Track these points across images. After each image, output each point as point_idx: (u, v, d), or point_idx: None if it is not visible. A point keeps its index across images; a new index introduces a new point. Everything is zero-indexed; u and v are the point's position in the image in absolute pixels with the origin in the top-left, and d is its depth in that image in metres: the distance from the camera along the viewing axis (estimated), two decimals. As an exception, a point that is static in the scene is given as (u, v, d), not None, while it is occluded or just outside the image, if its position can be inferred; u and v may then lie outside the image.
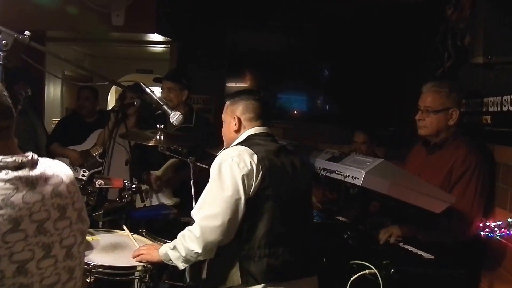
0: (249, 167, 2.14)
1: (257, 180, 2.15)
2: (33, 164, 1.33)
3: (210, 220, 2.11)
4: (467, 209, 2.72)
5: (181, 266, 2.24)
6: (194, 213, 2.19)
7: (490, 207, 2.89)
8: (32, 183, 1.29)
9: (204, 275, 2.38)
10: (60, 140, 4.62)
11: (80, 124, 4.69)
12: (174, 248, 2.23)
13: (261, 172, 2.16)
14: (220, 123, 2.56)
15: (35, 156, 1.36)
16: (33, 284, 1.27)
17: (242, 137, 2.36)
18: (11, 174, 1.26)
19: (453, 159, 2.82)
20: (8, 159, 1.27)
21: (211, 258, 2.22)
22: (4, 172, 1.25)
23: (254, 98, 2.40)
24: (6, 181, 1.24)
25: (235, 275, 2.18)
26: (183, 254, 2.19)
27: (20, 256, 1.23)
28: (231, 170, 2.13)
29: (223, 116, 2.49)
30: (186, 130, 3.64)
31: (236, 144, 2.31)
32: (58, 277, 1.35)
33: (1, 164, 1.25)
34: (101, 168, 4.40)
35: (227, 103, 2.46)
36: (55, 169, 1.40)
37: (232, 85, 5.38)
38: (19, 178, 1.27)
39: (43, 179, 1.33)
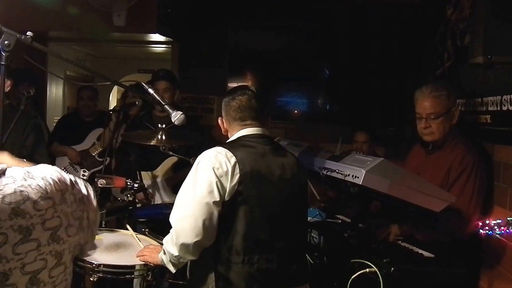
0: (224, 169, 2.07)
1: (233, 183, 2.08)
2: None
3: (182, 221, 2.07)
4: (465, 208, 2.74)
5: (172, 269, 2.22)
6: (171, 214, 2.16)
7: (489, 205, 2.90)
8: None
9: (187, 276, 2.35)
10: (59, 139, 4.62)
11: (79, 124, 4.69)
12: (164, 252, 2.22)
13: (238, 175, 2.08)
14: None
15: (3, 169, 1.24)
16: None
17: (233, 137, 2.31)
18: None
19: (451, 159, 2.83)
20: None
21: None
22: None
23: (230, 99, 2.32)
24: None
25: (210, 278, 2.13)
26: (169, 258, 2.18)
27: None
28: (206, 171, 2.08)
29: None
30: (180, 129, 3.64)
31: (224, 144, 2.25)
32: None
33: None
34: (101, 167, 4.41)
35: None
36: (22, 183, 1.24)
37: (233, 84, 5.39)
38: None
39: (0, 198, 1.19)
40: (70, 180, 1.40)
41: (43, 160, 3.32)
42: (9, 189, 1.21)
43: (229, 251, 2.10)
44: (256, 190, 2.12)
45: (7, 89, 3.03)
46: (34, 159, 3.12)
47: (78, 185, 1.43)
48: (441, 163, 2.89)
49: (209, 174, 2.07)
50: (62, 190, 1.32)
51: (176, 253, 2.12)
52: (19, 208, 1.19)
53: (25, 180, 1.25)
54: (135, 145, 3.59)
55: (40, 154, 3.37)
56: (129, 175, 3.47)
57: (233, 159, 2.10)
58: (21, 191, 1.22)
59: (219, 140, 2.51)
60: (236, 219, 2.10)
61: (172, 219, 2.13)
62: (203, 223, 2.04)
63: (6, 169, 1.25)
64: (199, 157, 2.16)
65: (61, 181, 1.33)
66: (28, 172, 1.29)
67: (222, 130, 2.40)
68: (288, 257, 2.21)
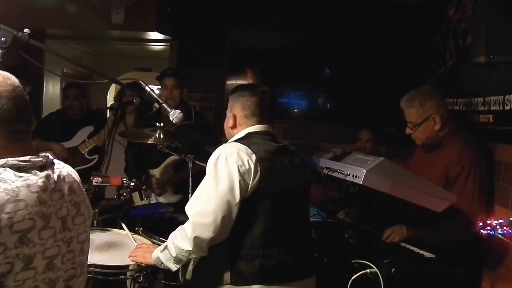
0: (247, 167, 2.07)
1: (255, 180, 2.09)
2: (51, 164, 1.40)
3: (202, 216, 2.05)
4: (467, 207, 2.73)
5: (173, 267, 2.18)
6: (187, 208, 2.14)
7: (490, 205, 2.89)
8: (55, 182, 1.37)
9: (190, 274, 2.31)
10: (44, 136, 4.44)
11: (67, 121, 4.56)
12: (165, 249, 2.18)
13: (259, 172, 2.09)
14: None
15: (52, 157, 1.42)
16: (58, 279, 1.34)
17: (241, 133, 2.29)
18: (40, 173, 1.33)
19: (448, 158, 2.84)
20: (35, 159, 1.34)
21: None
22: (33, 171, 1.32)
23: (250, 94, 2.29)
24: (37, 179, 1.31)
25: (226, 274, 2.13)
26: (174, 254, 2.14)
27: (50, 252, 1.30)
28: (228, 167, 2.07)
29: (227, 110, 2.40)
30: (187, 127, 3.63)
31: (235, 141, 2.24)
32: (75, 271, 1.42)
33: (30, 164, 1.31)
34: (88, 165, 4.36)
35: (230, 97, 2.38)
36: (68, 169, 1.48)
37: (232, 83, 5.37)
38: (47, 177, 1.34)
39: (62, 177, 1.41)
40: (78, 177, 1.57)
41: None
42: (64, 172, 1.43)
43: (247, 246, 2.11)
44: (274, 187, 2.14)
45: None
46: None
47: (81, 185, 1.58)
48: (438, 162, 2.89)
49: (232, 171, 2.06)
50: (70, 182, 1.46)
51: (189, 248, 2.08)
52: (41, 197, 1.30)
53: (68, 167, 1.49)
54: (134, 143, 3.58)
55: None
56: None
57: (254, 157, 2.11)
58: (70, 174, 1.47)
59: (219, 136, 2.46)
60: (256, 215, 2.12)
61: (192, 212, 2.10)
62: (222, 220, 2.04)
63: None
64: (216, 154, 2.13)
65: (70, 176, 1.49)
66: (63, 163, 1.51)
67: (230, 124, 2.34)
68: (300, 250, 2.25)
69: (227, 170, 2.07)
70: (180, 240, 2.11)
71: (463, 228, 2.75)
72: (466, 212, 2.72)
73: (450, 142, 2.89)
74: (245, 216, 2.10)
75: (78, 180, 1.50)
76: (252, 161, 2.09)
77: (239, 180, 2.05)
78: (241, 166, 2.06)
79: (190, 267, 2.31)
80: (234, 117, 2.32)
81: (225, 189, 2.05)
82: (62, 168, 1.44)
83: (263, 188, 2.11)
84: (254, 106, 2.27)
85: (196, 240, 2.06)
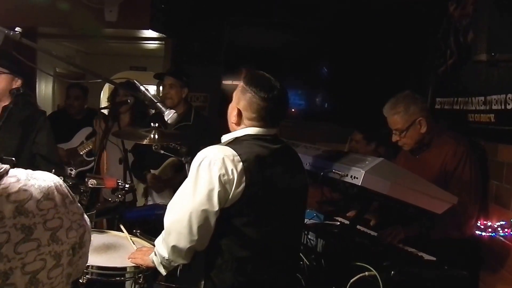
0: (230, 176, 1.92)
1: (237, 191, 1.94)
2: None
3: (177, 225, 1.98)
4: (467, 198, 2.73)
5: (163, 271, 2.15)
6: (166, 211, 2.06)
7: (492, 207, 2.87)
8: None
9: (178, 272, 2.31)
10: None
11: (67, 121, 4.59)
12: (155, 253, 2.15)
13: (243, 184, 1.94)
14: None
15: (3, 168, 1.24)
16: None
17: (239, 132, 2.09)
18: None
19: (443, 155, 2.86)
20: None
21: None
22: None
23: (263, 97, 2.03)
24: None
25: (200, 280, 2.10)
26: (159, 261, 2.12)
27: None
28: (209, 175, 1.93)
29: (234, 93, 2.15)
30: (185, 128, 3.59)
31: (228, 142, 2.08)
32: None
33: None
34: (88, 166, 4.34)
35: (241, 83, 2.10)
36: (26, 182, 1.27)
37: (228, 82, 5.33)
38: None
39: (5, 195, 1.20)
40: (71, 194, 1.41)
41: (58, 159, 3.30)
42: (13, 188, 1.23)
43: (222, 257, 2.03)
44: (260, 198, 2.00)
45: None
46: (50, 159, 3.08)
47: (77, 203, 1.44)
48: (433, 160, 2.90)
49: (213, 180, 1.93)
50: (63, 195, 1.33)
51: (166, 255, 2.06)
52: (22, 207, 1.20)
53: (29, 180, 1.28)
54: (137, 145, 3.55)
55: (57, 154, 3.30)
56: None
57: (240, 165, 1.94)
58: (25, 190, 1.25)
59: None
60: (233, 228, 2.00)
61: (167, 220, 2.04)
62: (198, 230, 1.96)
63: (9, 169, 1.27)
64: (201, 156, 1.99)
65: (62, 187, 1.35)
66: (30, 174, 1.31)
67: (233, 120, 2.11)
68: (281, 268, 2.13)
69: (207, 178, 1.93)
70: (161, 247, 2.08)
71: (463, 221, 2.75)
72: (466, 204, 2.72)
73: (441, 139, 2.91)
74: (224, 227, 2.00)
75: (40, 197, 1.27)
76: (237, 170, 1.93)
77: (219, 191, 1.92)
78: (223, 175, 1.92)
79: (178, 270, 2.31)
80: (240, 114, 2.09)
81: (202, 198, 1.94)
82: (15, 183, 1.24)
83: (245, 199, 1.96)
84: (265, 111, 2.05)
85: (174, 249, 2.01)
